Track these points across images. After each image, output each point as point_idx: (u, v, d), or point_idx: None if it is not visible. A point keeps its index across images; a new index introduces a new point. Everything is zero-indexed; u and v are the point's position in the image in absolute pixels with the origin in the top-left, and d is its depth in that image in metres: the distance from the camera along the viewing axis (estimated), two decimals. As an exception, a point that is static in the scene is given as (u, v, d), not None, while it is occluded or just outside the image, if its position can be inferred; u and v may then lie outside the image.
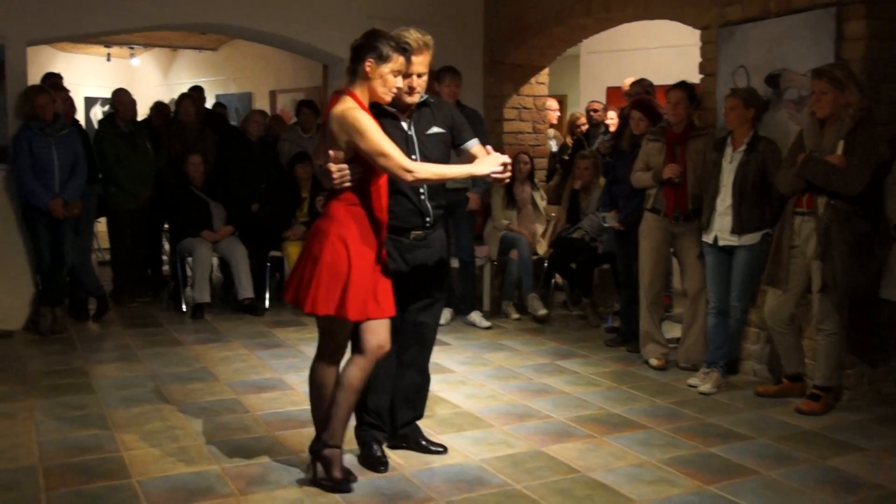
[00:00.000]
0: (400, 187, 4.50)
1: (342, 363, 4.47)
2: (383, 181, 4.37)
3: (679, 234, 6.77)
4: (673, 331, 7.55)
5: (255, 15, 8.59)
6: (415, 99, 4.59)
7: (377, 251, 4.35)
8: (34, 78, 8.37)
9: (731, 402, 6.04)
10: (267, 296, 8.95)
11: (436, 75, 7.43)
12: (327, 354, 4.46)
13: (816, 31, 6.07)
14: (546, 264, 8.89)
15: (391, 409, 4.90)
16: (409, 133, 4.59)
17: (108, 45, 15.95)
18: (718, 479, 4.63)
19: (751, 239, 6.16)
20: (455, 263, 8.07)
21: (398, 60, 4.28)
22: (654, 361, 6.86)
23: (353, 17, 8.78)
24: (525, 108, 9.70)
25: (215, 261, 9.23)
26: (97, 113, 15.89)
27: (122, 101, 8.84)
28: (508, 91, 9.72)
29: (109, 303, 8.41)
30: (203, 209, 8.75)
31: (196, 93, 10.35)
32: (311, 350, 7.09)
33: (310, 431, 4.61)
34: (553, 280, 9.33)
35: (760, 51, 6.50)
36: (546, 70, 9.87)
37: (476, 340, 7.72)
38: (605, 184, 8.01)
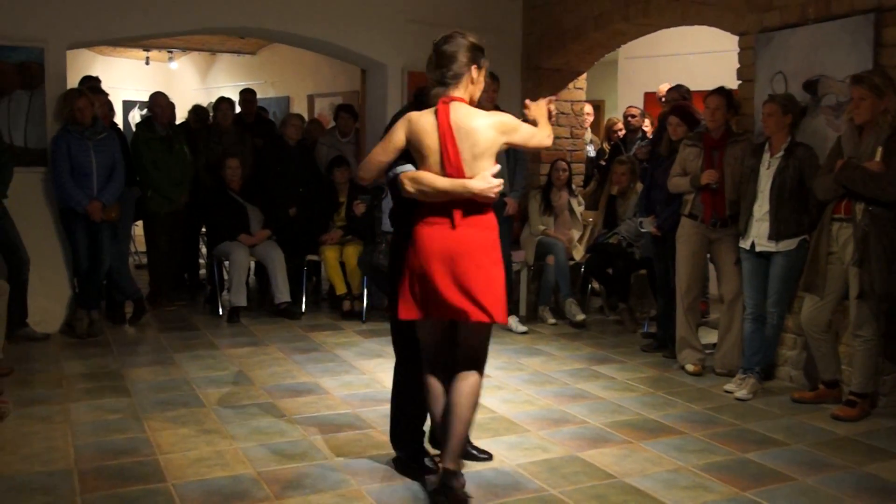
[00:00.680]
0: None
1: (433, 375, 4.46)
2: None
3: (716, 239, 6.74)
4: (709, 336, 7.52)
5: (294, 19, 8.59)
6: None
7: None
8: (73, 81, 8.45)
9: (768, 408, 6.00)
10: (303, 300, 8.97)
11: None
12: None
13: (855, 37, 6.02)
14: (583, 269, 8.88)
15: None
16: None
17: (146, 49, 16.02)
18: (754, 486, 4.60)
19: (788, 245, 6.12)
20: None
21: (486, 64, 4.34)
22: (690, 367, 6.84)
23: (391, 21, 8.77)
24: (563, 112, 9.67)
25: (252, 265, 9.26)
26: (135, 116, 15.94)
27: (159, 104, 8.85)
28: (546, 96, 9.61)
29: (146, 306, 8.42)
30: (240, 213, 8.77)
31: (248, 94, 10.46)
32: (346, 354, 7.23)
33: (346, 435, 4.63)
34: (590, 285, 9.32)
35: (798, 57, 6.46)
36: (584, 75, 9.83)
37: (512, 345, 7.72)
38: (643, 189, 7.98)
